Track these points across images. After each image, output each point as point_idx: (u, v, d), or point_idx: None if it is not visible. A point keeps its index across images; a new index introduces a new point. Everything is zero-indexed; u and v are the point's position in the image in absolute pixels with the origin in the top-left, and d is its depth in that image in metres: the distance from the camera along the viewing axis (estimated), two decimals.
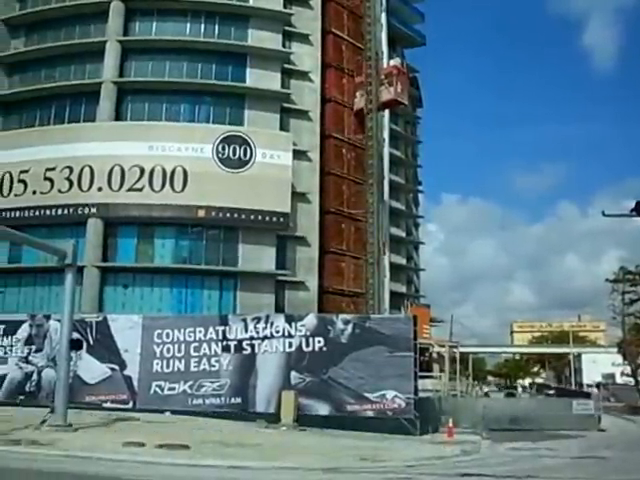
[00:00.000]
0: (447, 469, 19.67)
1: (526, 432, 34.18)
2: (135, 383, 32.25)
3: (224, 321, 32.85)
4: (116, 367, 32.51)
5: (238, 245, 46.30)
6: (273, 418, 29.62)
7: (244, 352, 31.67)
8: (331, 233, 50.44)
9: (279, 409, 29.88)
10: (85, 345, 31.50)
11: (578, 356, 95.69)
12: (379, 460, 20.29)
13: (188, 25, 50.07)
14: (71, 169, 45.04)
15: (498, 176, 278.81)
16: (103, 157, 44.88)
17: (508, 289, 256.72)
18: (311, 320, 32.03)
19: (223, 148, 45.26)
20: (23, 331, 34.22)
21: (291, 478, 17.29)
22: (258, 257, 46.05)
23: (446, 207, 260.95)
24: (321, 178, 50.20)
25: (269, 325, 31.72)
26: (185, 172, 44.67)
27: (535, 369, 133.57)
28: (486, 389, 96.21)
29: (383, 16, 60.03)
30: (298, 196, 47.32)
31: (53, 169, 45.26)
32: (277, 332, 31.47)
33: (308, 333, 31.20)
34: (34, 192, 45.44)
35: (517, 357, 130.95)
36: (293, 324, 31.50)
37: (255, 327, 31.79)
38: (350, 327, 31.07)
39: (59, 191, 45.10)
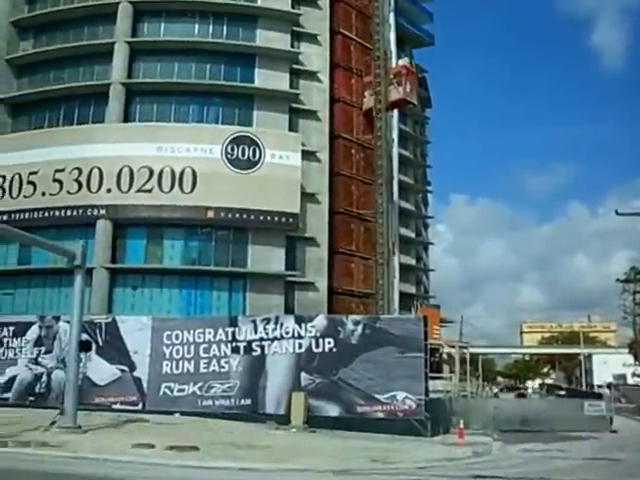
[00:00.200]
0: (459, 471, 19.52)
1: (537, 433, 33.89)
2: (144, 384, 32.15)
3: (234, 322, 32.70)
4: (125, 368, 32.43)
5: (247, 246, 46.20)
6: (283, 419, 29.50)
7: (254, 353, 31.52)
8: (340, 234, 50.32)
9: (289, 410, 29.73)
10: (94, 346, 31.53)
11: (589, 357, 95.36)
12: (390, 462, 20.14)
13: (196, 26, 50.06)
14: (80, 170, 45.04)
15: (507, 176, 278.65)
16: (112, 158, 44.86)
17: (517, 289, 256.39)
18: (321, 321, 31.86)
19: (232, 149, 45.16)
20: (33, 332, 34.17)
21: None
22: (267, 258, 45.96)
23: (455, 207, 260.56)
24: (330, 178, 50.07)
25: (279, 326, 31.56)
26: (194, 173, 44.61)
27: (545, 370, 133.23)
28: (495, 390, 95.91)
29: (391, 16, 59.89)
30: (307, 197, 47.20)
31: (62, 170, 45.27)
32: (287, 333, 31.31)
33: (318, 334, 31.01)
34: (43, 193, 45.48)
35: (527, 358, 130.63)
36: (303, 325, 31.33)
37: (265, 328, 31.63)
38: (360, 328, 30.89)
39: (68, 192, 45.10)
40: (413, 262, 68.39)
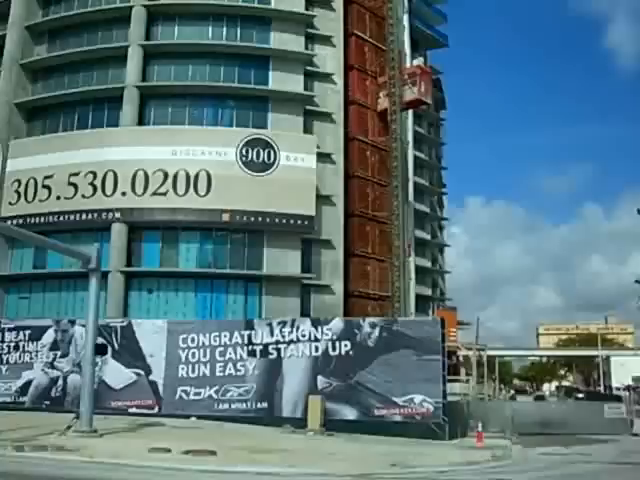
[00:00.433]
0: (479, 475, 19.30)
1: (556, 436, 33.47)
2: (160, 388, 32.14)
3: (250, 325, 32.64)
4: (141, 372, 32.42)
5: (263, 249, 45.92)
6: (300, 423, 29.41)
7: (270, 356, 31.44)
8: (356, 236, 50.04)
9: (306, 414, 29.64)
10: (110, 350, 31.56)
11: (607, 359, 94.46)
12: (409, 466, 19.95)
13: (210, 29, 49.85)
14: (95, 174, 44.96)
15: (522, 178, 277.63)
16: (127, 162, 44.78)
17: (533, 291, 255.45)
18: (337, 324, 31.72)
19: (247, 151, 44.95)
20: (48, 336, 34.26)
21: None
22: (283, 261, 45.68)
23: (470, 209, 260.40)
24: (345, 181, 49.77)
25: (295, 329, 31.47)
26: (209, 176, 44.43)
27: (562, 372, 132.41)
28: (512, 392, 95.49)
29: (405, 17, 59.70)
30: (322, 199, 46.93)
31: (77, 174, 45.21)
32: (303, 336, 31.22)
33: (334, 337, 30.90)
34: (58, 197, 45.43)
35: (544, 360, 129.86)
36: (319, 328, 31.22)
37: (281, 331, 31.56)
38: (377, 330, 30.74)
39: (83, 196, 45.04)
40: (429, 264, 68.18)
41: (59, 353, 33.86)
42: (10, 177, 46.36)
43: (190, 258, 45.88)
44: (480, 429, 29.92)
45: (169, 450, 19.64)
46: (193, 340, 32.30)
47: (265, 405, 31.08)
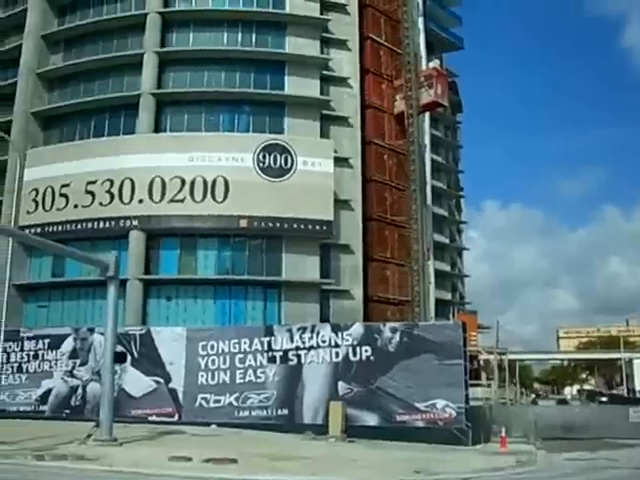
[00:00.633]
0: None
1: (581, 441, 32.85)
2: (180, 396, 31.96)
3: (269, 332, 32.37)
4: (161, 380, 32.26)
5: (281, 254, 45.69)
6: (320, 430, 29.11)
7: (290, 363, 31.16)
8: (375, 240, 49.79)
9: (327, 420, 29.35)
10: (129, 358, 31.38)
11: (629, 362, 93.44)
12: (433, 473, 19.57)
13: (225, 35, 49.78)
14: (112, 182, 44.98)
15: (538, 182, 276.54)
16: (143, 169, 44.76)
17: (551, 295, 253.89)
18: (358, 329, 31.39)
19: (264, 157, 44.81)
20: (67, 345, 34.22)
21: None
22: (302, 266, 45.43)
23: (487, 213, 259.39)
24: (363, 185, 49.52)
25: (315, 335, 31.18)
26: (226, 182, 44.31)
27: (583, 376, 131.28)
28: (533, 396, 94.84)
29: (420, 20, 59.46)
30: (340, 204, 46.68)
31: (94, 182, 45.24)
32: (323, 342, 30.92)
33: (355, 342, 30.59)
34: (76, 206, 45.48)
35: (565, 364, 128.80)
36: (339, 333, 30.91)
37: (301, 337, 31.28)
38: (398, 335, 30.39)
39: (100, 204, 45.05)
40: (448, 268, 67.82)
41: (78, 361, 33.79)
42: (28, 186, 46.36)
43: (208, 265, 45.76)
44: (503, 434, 29.48)
45: (190, 459, 19.43)
46: (213, 347, 32.11)
47: (285, 412, 30.81)
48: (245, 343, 31.79)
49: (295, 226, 44.56)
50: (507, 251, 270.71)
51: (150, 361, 32.57)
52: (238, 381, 31.47)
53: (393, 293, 50.15)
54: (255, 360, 31.49)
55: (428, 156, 59.26)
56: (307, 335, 31.23)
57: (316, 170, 45.19)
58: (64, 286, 46.60)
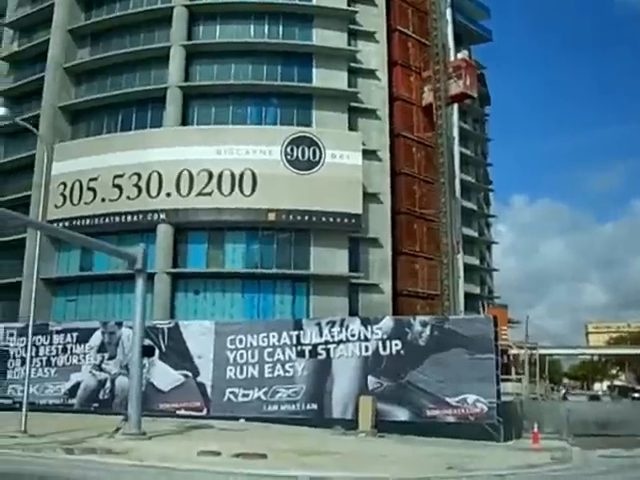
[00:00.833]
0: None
1: (614, 438, 32.17)
2: (208, 390, 31.69)
3: (298, 326, 31.99)
4: (189, 374, 32.02)
5: (310, 248, 45.51)
6: (350, 424, 28.74)
7: (319, 357, 30.77)
8: (403, 234, 49.41)
9: (356, 415, 28.95)
10: (157, 352, 31.22)
11: None
12: (466, 469, 19.08)
13: (252, 27, 49.70)
14: (139, 175, 45.03)
15: (567, 176, 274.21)
16: (171, 162, 44.76)
17: (580, 289, 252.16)
18: (387, 323, 30.93)
19: (292, 150, 44.61)
20: (96, 338, 34.07)
21: None
22: (330, 260, 45.19)
23: (515, 207, 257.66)
24: (392, 178, 49.17)
25: (344, 329, 30.74)
26: (254, 175, 44.15)
27: (614, 371, 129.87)
28: (563, 391, 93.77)
29: (448, 12, 59.01)
30: (369, 197, 46.36)
31: (121, 176, 45.33)
32: (353, 336, 30.48)
33: (385, 336, 30.11)
34: (103, 199, 45.61)
35: (595, 359, 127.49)
36: (369, 327, 30.45)
37: (330, 331, 30.86)
38: (428, 329, 29.87)
39: (128, 198, 45.13)
40: (477, 262, 67.18)
41: (107, 355, 33.67)
42: (55, 180, 46.41)
43: (236, 258, 45.66)
44: (536, 430, 28.97)
45: (219, 453, 19.17)
46: (241, 341, 31.81)
47: (315, 406, 30.46)
48: (274, 337, 31.45)
49: (323, 219, 44.31)
50: (535, 245, 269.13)
51: (178, 355, 32.35)
52: (267, 375, 31.13)
53: (422, 287, 49.73)
54: (284, 354, 31.14)
55: (457, 149, 58.75)
56: (336, 329, 30.83)
57: (344, 163, 44.90)
58: (92, 280, 46.81)
